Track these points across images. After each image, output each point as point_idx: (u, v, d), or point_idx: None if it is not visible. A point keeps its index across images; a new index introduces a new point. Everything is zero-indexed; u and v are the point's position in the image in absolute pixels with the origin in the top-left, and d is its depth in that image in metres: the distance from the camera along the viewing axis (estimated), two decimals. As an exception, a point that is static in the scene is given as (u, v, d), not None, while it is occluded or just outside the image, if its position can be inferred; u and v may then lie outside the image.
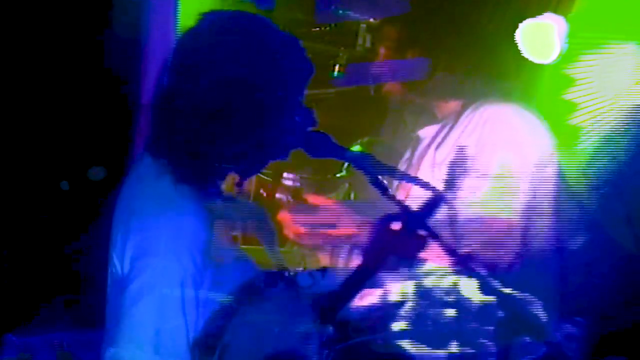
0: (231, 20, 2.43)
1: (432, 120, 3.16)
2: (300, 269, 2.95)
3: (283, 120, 2.40)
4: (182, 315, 2.25)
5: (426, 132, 3.16)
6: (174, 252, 2.26)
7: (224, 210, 2.45)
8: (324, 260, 3.04)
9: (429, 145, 3.12)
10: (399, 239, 2.48)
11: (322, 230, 2.97)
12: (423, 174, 3.04)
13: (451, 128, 3.07)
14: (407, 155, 3.23)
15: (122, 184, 2.44)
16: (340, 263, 2.98)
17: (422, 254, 2.53)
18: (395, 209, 2.50)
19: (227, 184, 2.49)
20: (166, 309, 2.24)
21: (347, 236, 2.94)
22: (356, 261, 2.55)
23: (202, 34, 2.40)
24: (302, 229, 2.98)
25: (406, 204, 2.55)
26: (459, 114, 3.07)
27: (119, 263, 2.34)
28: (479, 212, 2.86)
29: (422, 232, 2.48)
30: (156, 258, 2.26)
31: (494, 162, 2.89)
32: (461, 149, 2.73)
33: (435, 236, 2.49)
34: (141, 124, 2.48)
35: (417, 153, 3.16)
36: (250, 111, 2.35)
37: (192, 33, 2.43)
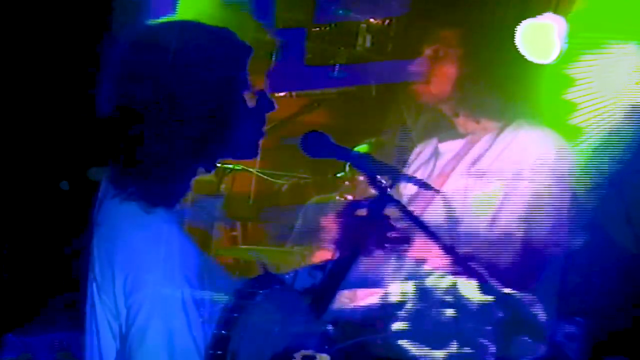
0: (161, 29, 2.39)
1: (453, 134, 3.12)
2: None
3: (235, 106, 2.37)
4: (191, 337, 2.21)
5: (448, 147, 3.12)
6: (168, 277, 2.23)
7: (199, 215, 2.41)
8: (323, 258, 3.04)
9: (454, 159, 3.08)
10: (368, 224, 2.48)
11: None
12: (453, 188, 3.01)
13: (487, 147, 3.03)
14: (429, 166, 3.19)
15: (96, 222, 2.40)
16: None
17: (421, 256, 2.54)
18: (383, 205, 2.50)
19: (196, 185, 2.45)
20: (174, 334, 2.21)
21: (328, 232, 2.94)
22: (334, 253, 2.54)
23: (129, 54, 2.37)
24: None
25: (404, 203, 2.56)
26: (489, 132, 3.04)
27: (112, 304, 2.29)
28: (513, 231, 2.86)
29: (386, 216, 2.48)
30: (151, 288, 2.23)
31: (530, 186, 2.89)
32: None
33: (431, 234, 2.50)
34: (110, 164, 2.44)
35: (441, 164, 3.11)
36: (200, 107, 2.31)
37: (119, 54, 2.39)
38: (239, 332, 2.21)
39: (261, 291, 2.25)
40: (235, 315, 2.20)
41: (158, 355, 2.19)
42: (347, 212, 2.50)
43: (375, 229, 2.48)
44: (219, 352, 2.20)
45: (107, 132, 2.33)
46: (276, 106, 2.43)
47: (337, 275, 2.44)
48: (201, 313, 2.23)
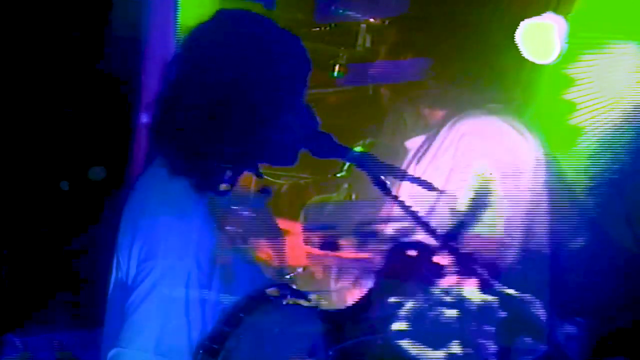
0: (240, 19, 2.45)
1: (423, 128, 3.13)
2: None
3: (284, 120, 2.41)
4: (185, 317, 2.25)
5: (412, 143, 3.14)
6: (179, 254, 2.27)
7: (232, 211, 2.45)
8: (330, 282, 3.05)
9: (412, 158, 3.10)
10: (411, 266, 2.49)
11: (331, 254, 2.98)
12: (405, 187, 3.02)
13: (431, 142, 3.04)
14: (396, 165, 3.20)
15: (133, 185, 2.45)
16: (348, 285, 2.98)
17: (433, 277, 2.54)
18: (406, 236, 2.51)
19: (245, 184, 2.49)
20: (169, 310, 2.26)
21: (357, 260, 2.94)
22: (365, 285, 2.55)
23: (213, 31, 2.42)
24: (312, 251, 2.99)
25: (407, 204, 2.56)
26: (440, 126, 3.05)
27: (125, 265, 2.35)
28: (459, 229, 2.84)
29: (436, 260, 2.49)
30: (161, 260, 2.27)
31: (469, 178, 2.87)
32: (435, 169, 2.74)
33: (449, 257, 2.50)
34: (149, 120, 2.48)
35: (404, 164, 3.13)
36: (251, 110, 2.36)
37: (203, 29, 2.44)
38: (241, 332, 2.22)
39: (276, 300, 2.27)
40: (241, 315, 2.22)
41: (150, 323, 2.24)
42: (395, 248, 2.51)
43: (420, 268, 2.49)
44: (214, 346, 2.22)
45: (168, 109, 2.37)
46: (320, 122, 2.48)
47: (364, 305, 2.45)
48: (203, 299, 2.27)
